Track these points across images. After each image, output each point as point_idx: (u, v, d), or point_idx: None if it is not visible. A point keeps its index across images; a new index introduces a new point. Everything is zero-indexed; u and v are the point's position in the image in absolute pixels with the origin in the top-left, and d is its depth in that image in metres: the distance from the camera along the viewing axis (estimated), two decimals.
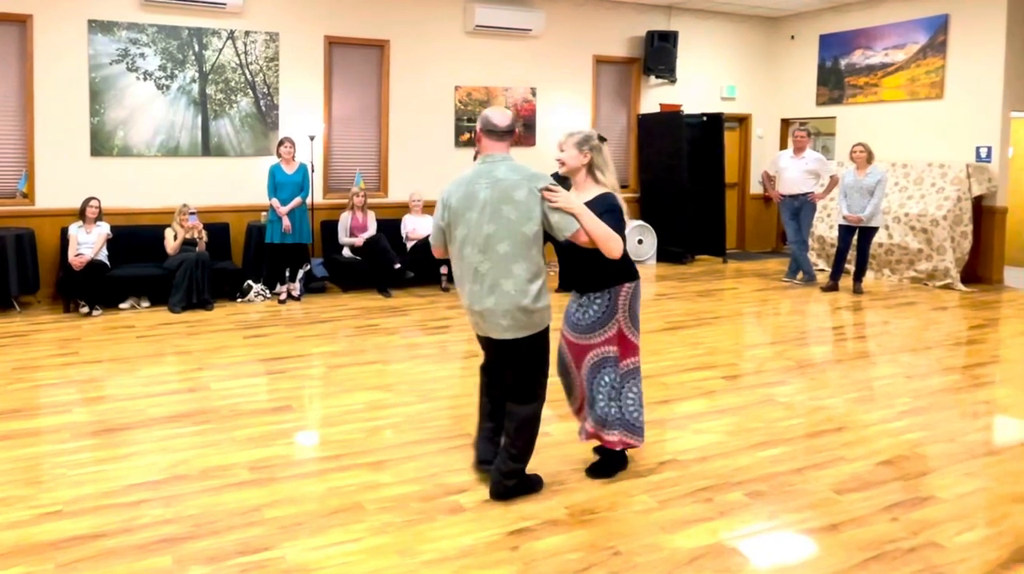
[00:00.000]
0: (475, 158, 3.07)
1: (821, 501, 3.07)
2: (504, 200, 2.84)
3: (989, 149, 7.98)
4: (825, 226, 8.89)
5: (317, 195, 7.80)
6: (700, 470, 3.34)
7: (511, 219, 2.83)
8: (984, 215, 8.05)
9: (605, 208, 3.00)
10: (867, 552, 2.68)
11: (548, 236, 2.96)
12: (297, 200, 6.85)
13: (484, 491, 3.10)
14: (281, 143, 6.95)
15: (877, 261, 8.32)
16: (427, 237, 7.54)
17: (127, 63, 7.12)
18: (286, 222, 6.77)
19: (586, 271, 3.11)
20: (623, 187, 9.74)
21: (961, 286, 7.71)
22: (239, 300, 6.92)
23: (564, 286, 3.27)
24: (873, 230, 7.45)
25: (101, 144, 7.09)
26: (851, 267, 7.79)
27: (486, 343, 3.09)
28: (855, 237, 7.52)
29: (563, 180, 3.24)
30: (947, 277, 7.77)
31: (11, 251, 6.21)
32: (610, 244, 2.88)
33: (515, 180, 2.86)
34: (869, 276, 8.19)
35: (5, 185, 6.85)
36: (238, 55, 7.54)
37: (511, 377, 3.01)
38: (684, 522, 2.88)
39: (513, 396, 3.02)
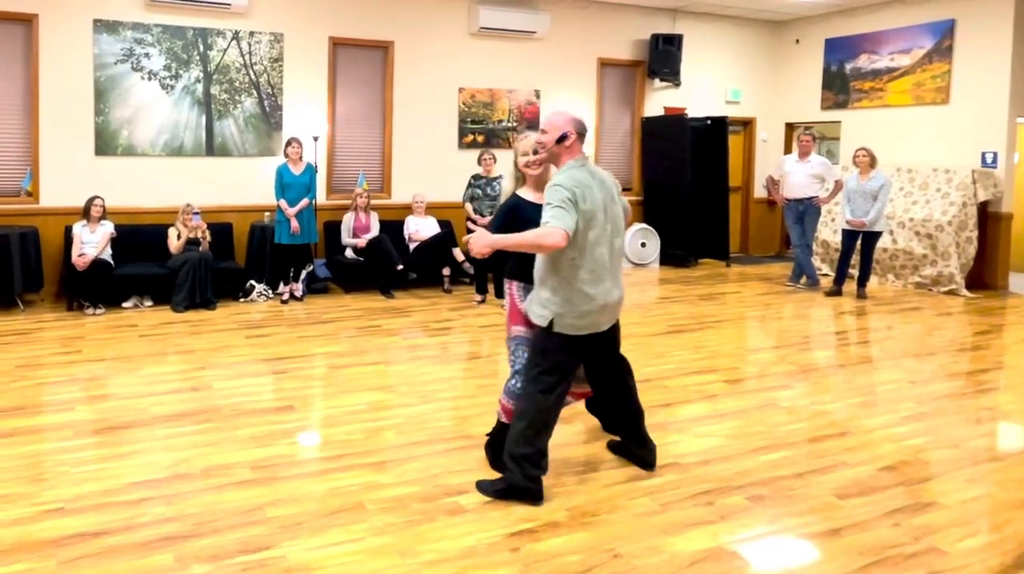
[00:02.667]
0: (558, 163, 3.09)
1: (823, 506, 3.06)
2: (612, 201, 3.07)
3: (995, 154, 7.96)
4: (829, 230, 8.87)
5: (320, 196, 7.80)
6: (701, 473, 3.34)
7: (617, 217, 3.09)
8: (989, 221, 8.03)
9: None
10: (868, 557, 2.67)
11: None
12: (305, 201, 6.85)
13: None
14: (289, 143, 6.95)
15: (881, 266, 8.30)
16: (431, 238, 7.55)
17: (132, 63, 7.14)
18: (295, 223, 6.78)
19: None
20: (627, 190, 9.75)
21: (966, 292, 7.69)
22: (242, 300, 6.93)
23: (527, 278, 3.24)
24: (876, 235, 7.44)
25: (105, 143, 7.10)
26: (855, 272, 7.78)
27: (588, 342, 3.08)
28: (859, 242, 7.50)
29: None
30: (952, 282, 7.75)
31: (15, 249, 6.22)
32: None
33: (612, 182, 3.13)
34: (873, 281, 8.17)
35: (10, 183, 6.87)
36: (242, 55, 7.56)
37: (617, 351, 3.33)
38: (685, 525, 2.88)
39: (624, 365, 3.35)
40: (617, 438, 3.53)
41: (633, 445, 3.40)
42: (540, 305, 3.03)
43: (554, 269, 2.98)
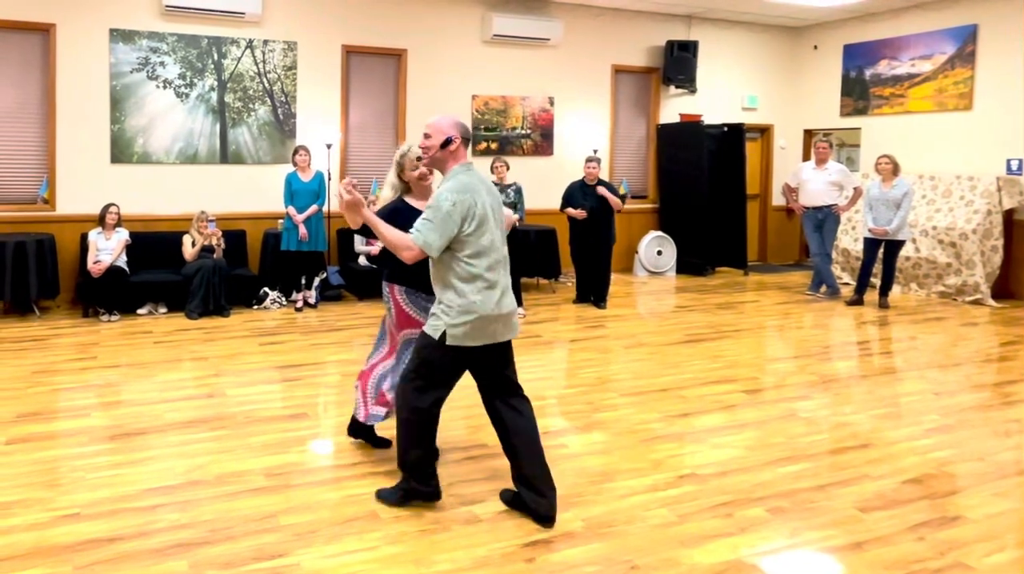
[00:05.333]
0: (445, 167, 2.96)
1: (845, 518, 2.99)
2: (499, 208, 3.00)
3: (1020, 161, 7.84)
4: (849, 239, 8.77)
5: (334, 203, 7.82)
6: (720, 485, 3.27)
7: (502, 223, 3.02)
8: (1015, 229, 7.88)
9: None
10: (892, 572, 2.61)
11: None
12: (313, 208, 6.86)
13: (499, 502, 3.06)
14: (296, 151, 6.97)
15: (904, 275, 8.18)
16: None
17: (147, 71, 7.19)
18: (302, 230, 6.79)
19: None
20: (642, 198, 9.70)
21: (992, 301, 7.55)
22: (255, 307, 6.94)
23: (408, 282, 3.28)
24: (899, 243, 7.33)
25: (121, 151, 7.15)
26: (877, 281, 7.67)
27: (482, 353, 2.90)
28: (881, 250, 7.41)
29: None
30: (977, 292, 7.62)
31: (32, 256, 6.26)
32: None
33: (496, 188, 3.09)
34: (896, 290, 8.06)
35: (27, 191, 6.93)
36: (256, 64, 7.59)
37: (512, 373, 3.03)
38: (703, 537, 2.82)
39: (516, 391, 3.01)
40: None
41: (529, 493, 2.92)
42: (436, 314, 2.86)
43: (450, 274, 2.83)
